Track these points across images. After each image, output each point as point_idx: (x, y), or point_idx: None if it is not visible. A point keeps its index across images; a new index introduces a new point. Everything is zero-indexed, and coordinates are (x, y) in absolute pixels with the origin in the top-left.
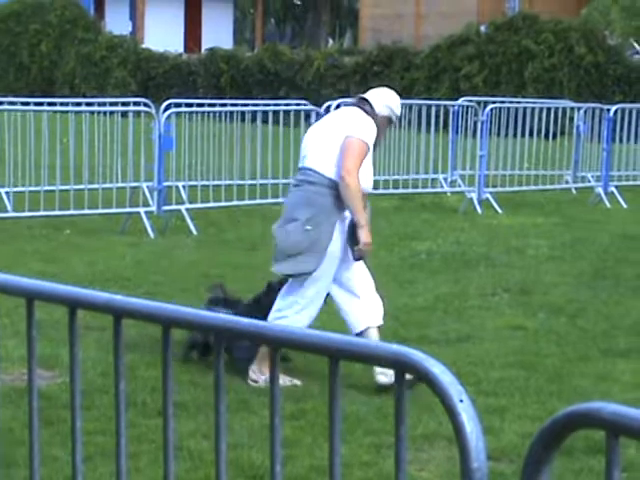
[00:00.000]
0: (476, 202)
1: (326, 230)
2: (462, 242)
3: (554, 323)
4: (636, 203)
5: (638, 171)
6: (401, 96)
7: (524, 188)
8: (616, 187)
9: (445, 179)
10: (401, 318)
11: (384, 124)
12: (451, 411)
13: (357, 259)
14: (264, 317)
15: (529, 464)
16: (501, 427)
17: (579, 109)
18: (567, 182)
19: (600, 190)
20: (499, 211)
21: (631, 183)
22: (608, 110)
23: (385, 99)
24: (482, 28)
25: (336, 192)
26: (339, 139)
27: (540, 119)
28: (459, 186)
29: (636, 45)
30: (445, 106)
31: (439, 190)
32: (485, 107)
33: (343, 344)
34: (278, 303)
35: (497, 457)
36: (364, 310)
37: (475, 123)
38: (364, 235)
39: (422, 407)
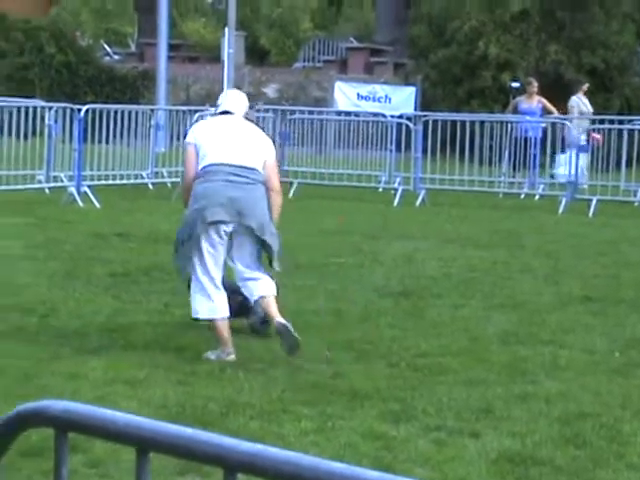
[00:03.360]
0: None
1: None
2: None
3: (26, 323)
4: (108, 202)
5: (109, 171)
6: None
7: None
8: (89, 187)
9: None
10: None
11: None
12: None
13: None
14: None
15: None
16: None
17: (50, 108)
18: (40, 182)
19: (73, 190)
20: None
21: (103, 183)
22: (79, 110)
23: (237, 103)
24: None
25: None
26: (260, 155)
27: (11, 118)
28: None
29: (106, 46)
30: None
31: None
32: None
33: None
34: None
35: None
36: None
37: None
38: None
39: None
